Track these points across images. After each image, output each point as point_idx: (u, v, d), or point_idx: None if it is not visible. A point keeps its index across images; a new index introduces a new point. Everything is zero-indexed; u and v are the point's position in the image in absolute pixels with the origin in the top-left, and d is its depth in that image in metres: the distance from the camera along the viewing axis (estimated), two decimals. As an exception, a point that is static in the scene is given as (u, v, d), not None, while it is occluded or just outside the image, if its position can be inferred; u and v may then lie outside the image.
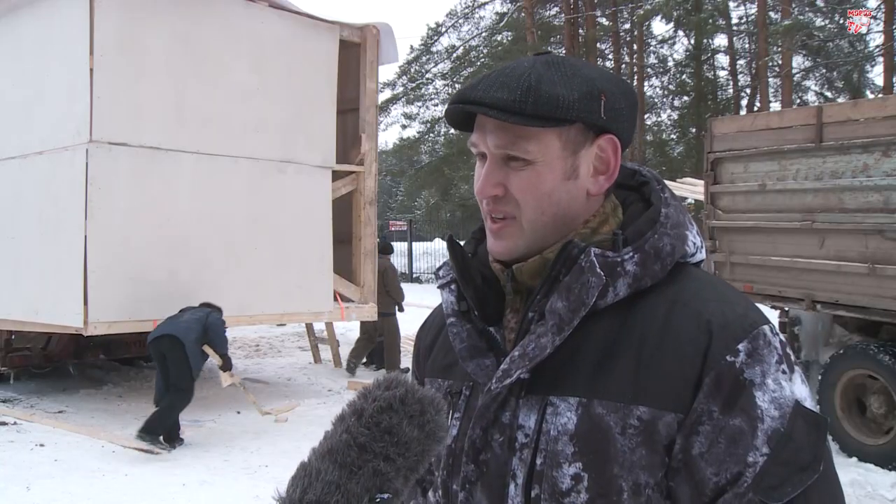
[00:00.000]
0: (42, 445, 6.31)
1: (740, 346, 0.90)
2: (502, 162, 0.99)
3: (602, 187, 1.01)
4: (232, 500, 5.14)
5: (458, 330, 1.05)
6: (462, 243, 1.09)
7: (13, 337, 8.58)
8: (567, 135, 0.97)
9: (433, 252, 23.70)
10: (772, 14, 22.17)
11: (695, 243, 1.01)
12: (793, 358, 0.93)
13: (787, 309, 6.81)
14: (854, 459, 5.75)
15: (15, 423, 7.01)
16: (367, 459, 0.77)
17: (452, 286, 1.07)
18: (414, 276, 23.08)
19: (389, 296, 9.78)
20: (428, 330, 1.20)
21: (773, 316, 6.38)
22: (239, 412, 7.71)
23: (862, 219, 5.70)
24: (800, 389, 0.91)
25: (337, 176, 8.82)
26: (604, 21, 26.18)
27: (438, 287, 1.10)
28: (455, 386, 1.07)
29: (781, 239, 6.47)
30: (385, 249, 10.37)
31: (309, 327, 10.65)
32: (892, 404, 5.74)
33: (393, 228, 27.80)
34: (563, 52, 23.98)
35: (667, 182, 1.09)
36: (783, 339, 0.94)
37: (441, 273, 1.10)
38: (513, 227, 1.00)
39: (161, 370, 6.55)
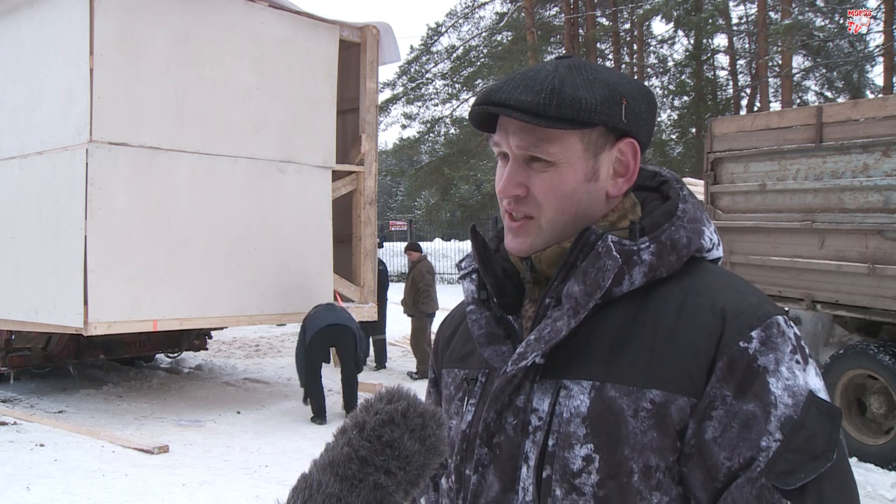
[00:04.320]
0: (42, 445, 6.30)
1: (753, 334, 0.91)
2: (524, 163, 1.01)
3: (621, 189, 1.04)
4: (232, 500, 5.14)
5: (476, 317, 1.08)
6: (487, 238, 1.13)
7: (13, 337, 8.58)
8: (589, 137, 1.00)
9: (433, 252, 23.68)
10: (772, 14, 22.14)
11: (711, 239, 1.03)
12: (807, 351, 0.95)
13: (787, 309, 6.80)
14: (854, 459, 5.75)
15: (15, 423, 7.01)
16: (367, 472, 0.77)
17: (473, 276, 1.11)
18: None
19: None
20: (448, 323, 1.23)
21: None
22: (239, 412, 7.71)
23: (862, 219, 5.70)
24: (814, 380, 0.92)
25: (337, 176, 8.82)
26: (604, 21, 26.15)
27: (460, 278, 1.13)
28: (471, 374, 1.09)
29: (781, 239, 6.47)
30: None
31: (309, 327, 10.64)
32: (892, 404, 5.74)
33: (393, 228, 27.82)
34: (563, 52, 23.97)
35: None
36: (797, 331, 0.95)
37: (463, 264, 1.14)
38: (531, 227, 1.03)
39: (317, 356, 7.43)
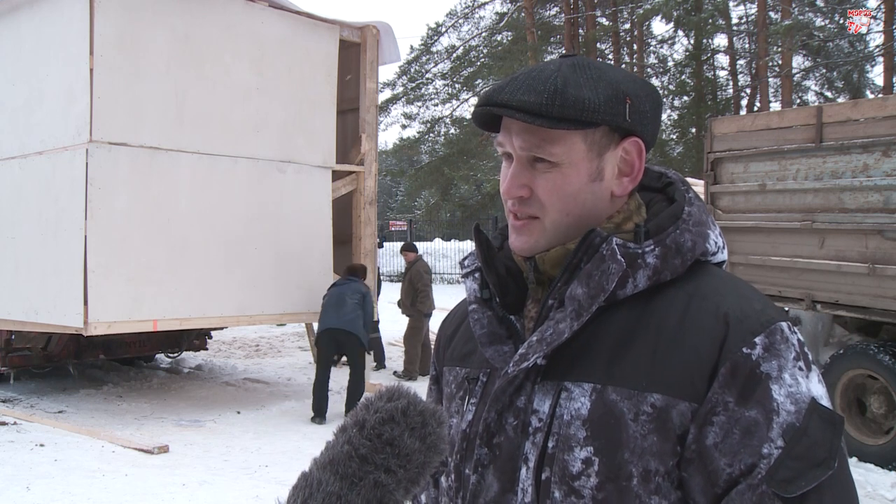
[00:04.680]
0: (42, 445, 6.30)
1: (757, 340, 0.90)
2: (528, 163, 1.01)
3: (626, 189, 1.03)
4: (232, 500, 5.14)
5: (479, 316, 1.07)
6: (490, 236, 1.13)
7: (13, 337, 8.58)
8: (592, 137, 0.99)
9: (433, 252, 23.68)
10: (772, 14, 22.14)
11: (716, 243, 1.03)
12: (810, 357, 0.94)
13: (787, 309, 6.80)
14: (854, 459, 5.75)
15: (15, 423, 7.01)
16: (368, 471, 0.77)
17: (476, 274, 1.10)
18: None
19: None
20: (450, 321, 1.23)
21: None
22: (239, 412, 7.71)
23: (862, 219, 5.70)
24: (816, 387, 0.91)
25: (337, 176, 8.82)
26: (604, 21, 26.15)
27: (463, 276, 1.13)
28: (472, 373, 1.09)
29: (781, 239, 6.48)
30: None
31: (309, 327, 10.65)
32: (892, 404, 5.75)
33: (393, 228, 27.82)
34: (563, 51, 23.96)
35: None
36: (801, 338, 0.95)
37: (466, 262, 1.13)
38: (535, 226, 1.02)
39: (324, 354, 7.63)
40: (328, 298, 7.69)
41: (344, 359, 8.03)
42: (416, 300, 9.76)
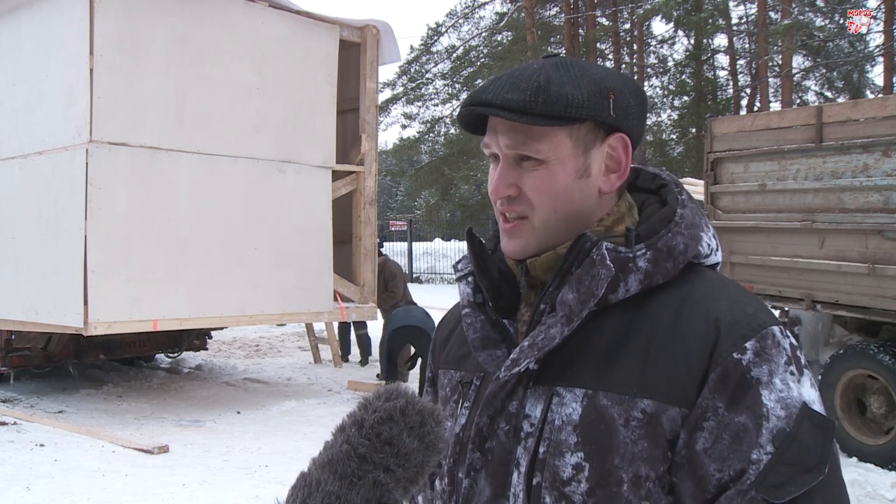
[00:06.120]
0: (42, 445, 6.30)
1: (748, 345, 0.90)
2: (515, 162, 1.00)
3: (614, 185, 1.03)
4: (232, 500, 5.14)
5: (472, 320, 1.07)
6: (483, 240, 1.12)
7: (13, 337, 8.57)
8: (577, 133, 0.99)
9: (433, 252, 23.69)
10: (772, 14, 22.14)
11: (709, 245, 1.02)
12: (803, 361, 0.93)
13: (787, 309, 6.80)
14: (854, 459, 5.76)
15: (15, 423, 7.01)
16: (367, 470, 0.77)
17: (469, 278, 1.10)
18: (414, 276, 23.11)
19: None
20: (446, 324, 1.22)
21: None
22: (239, 412, 7.71)
23: (862, 219, 5.70)
24: (808, 392, 0.91)
25: (337, 176, 8.82)
26: (604, 21, 26.16)
27: (456, 279, 1.12)
28: (466, 376, 1.09)
29: (781, 239, 6.48)
30: None
31: (309, 327, 10.65)
32: (892, 404, 5.74)
33: (393, 228, 27.78)
34: (563, 51, 23.96)
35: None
36: (794, 341, 0.94)
37: (459, 266, 1.12)
38: (525, 227, 1.01)
39: (395, 352, 8.15)
40: (398, 310, 8.30)
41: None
42: (394, 303, 9.71)
